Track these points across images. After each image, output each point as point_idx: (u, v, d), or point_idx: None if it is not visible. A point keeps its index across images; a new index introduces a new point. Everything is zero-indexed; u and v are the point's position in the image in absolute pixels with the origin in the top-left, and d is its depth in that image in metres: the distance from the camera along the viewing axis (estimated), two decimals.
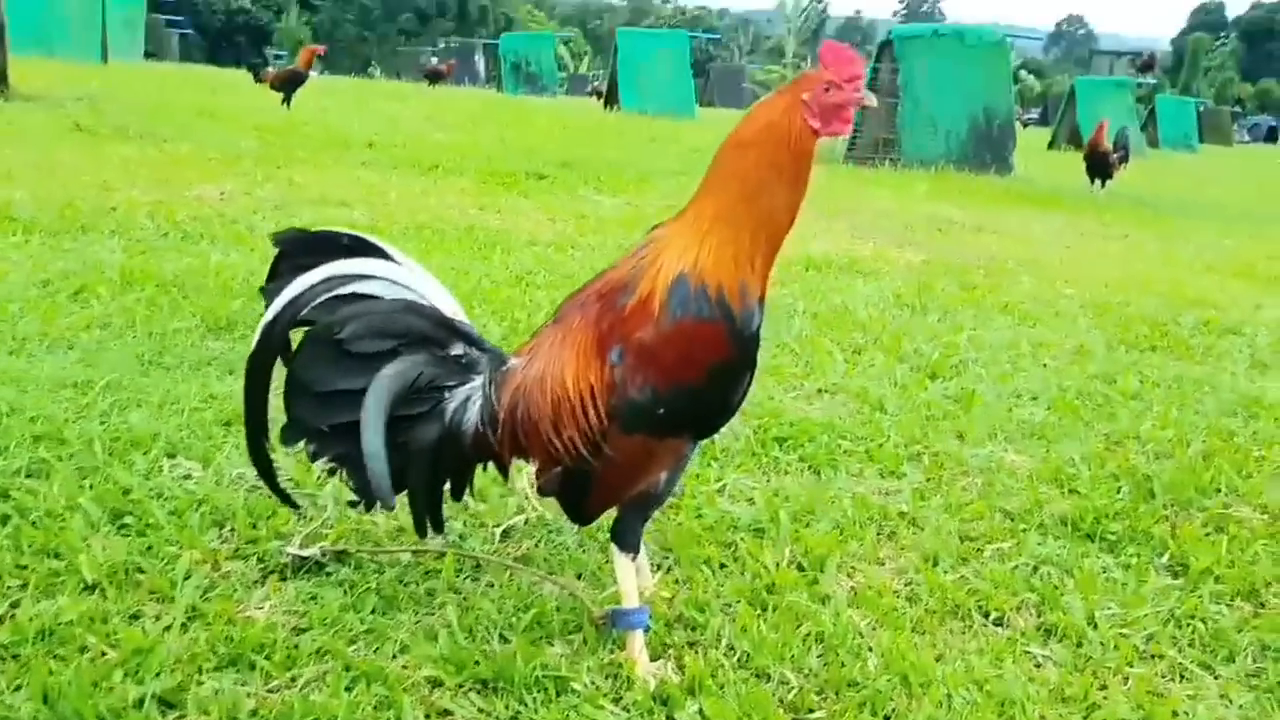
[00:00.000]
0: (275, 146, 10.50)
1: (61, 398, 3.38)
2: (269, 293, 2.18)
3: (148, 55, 32.97)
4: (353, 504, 2.28)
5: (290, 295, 2.14)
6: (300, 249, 2.22)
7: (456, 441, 2.23)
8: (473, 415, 2.23)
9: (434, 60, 42.21)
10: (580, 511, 2.34)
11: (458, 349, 2.23)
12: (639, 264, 2.19)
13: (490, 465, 2.34)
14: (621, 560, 2.30)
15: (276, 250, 2.24)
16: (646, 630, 2.34)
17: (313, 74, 15.69)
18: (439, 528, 2.32)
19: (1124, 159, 15.10)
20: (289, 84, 15.06)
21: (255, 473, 2.93)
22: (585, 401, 2.17)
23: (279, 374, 2.21)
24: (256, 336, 2.16)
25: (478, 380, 2.24)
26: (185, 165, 8.69)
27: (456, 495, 2.34)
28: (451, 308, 2.25)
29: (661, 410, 2.15)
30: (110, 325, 4.19)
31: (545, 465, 2.27)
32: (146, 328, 4.18)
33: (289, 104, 14.77)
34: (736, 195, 2.14)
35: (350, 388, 2.14)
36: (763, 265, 2.16)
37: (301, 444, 2.21)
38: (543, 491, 2.37)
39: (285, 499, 2.37)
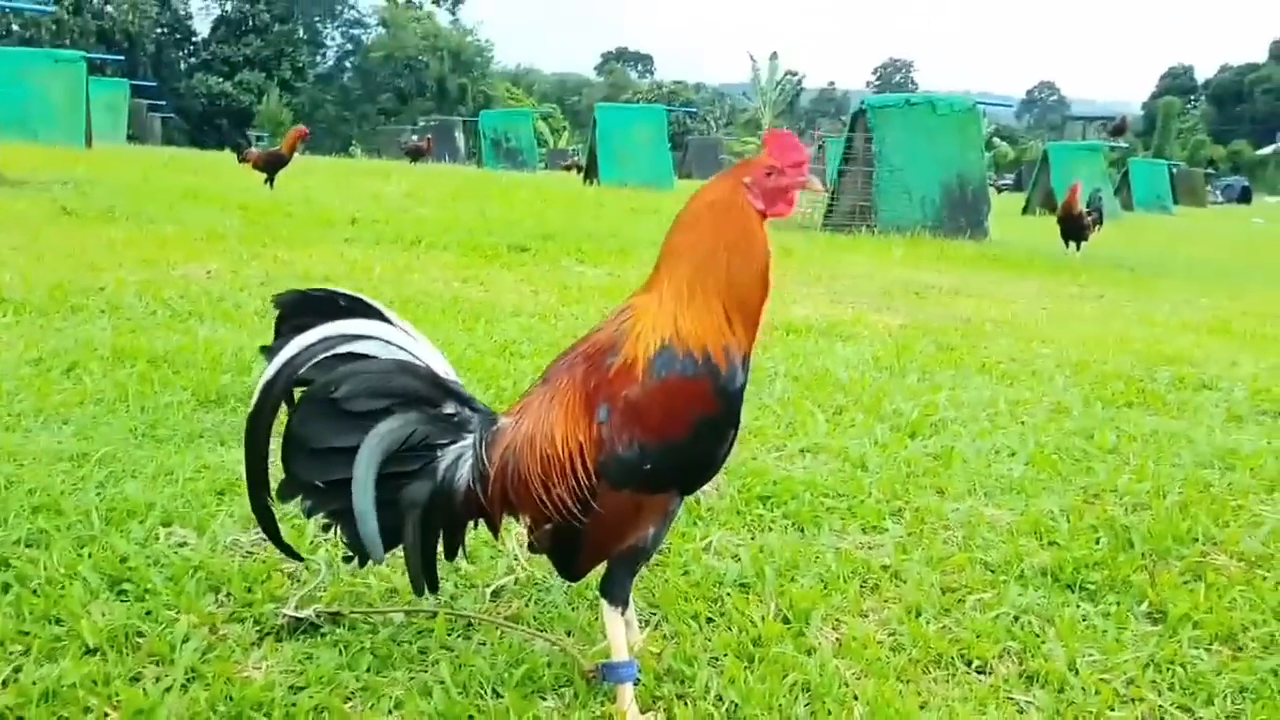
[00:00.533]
0: (259, 225, 10.61)
1: (58, 470, 3.44)
2: (269, 352, 2.25)
3: (130, 139, 33.24)
4: (347, 559, 2.34)
5: (288, 355, 2.21)
6: (299, 309, 2.29)
7: (448, 499, 2.29)
8: (464, 473, 2.29)
9: (414, 138, 42.52)
10: (570, 568, 2.40)
11: (450, 408, 2.30)
12: (621, 327, 2.28)
13: (481, 524, 2.40)
14: (610, 614, 2.35)
15: (277, 311, 2.30)
16: (636, 683, 2.39)
17: (295, 155, 15.84)
18: (434, 586, 2.37)
19: (1098, 221, 15.32)
20: (272, 165, 15.20)
21: (257, 529, 3.02)
22: (574, 459, 2.24)
23: (277, 432, 2.27)
24: (255, 395, 2.22)
25: (469, 439, 2.30)
26: (171, 246, 8.78)
27: (450, 554, 2.39)
28: (443, 368, 2.32)
29: (648, 466, 2.22)
30: (103, 400, 4.25)
31: (536, 522, 2.33)
32: (139, 402, 4.25)
33: (272, 184, 14.91)
34: (693, 268, 2.24)
35: (345, 445, 2.20)
36: (742, 327, 2.25)
37: (297, 500, 2.26)
38: (533, 549, 2.43)
39: (289, 551, 2.41)
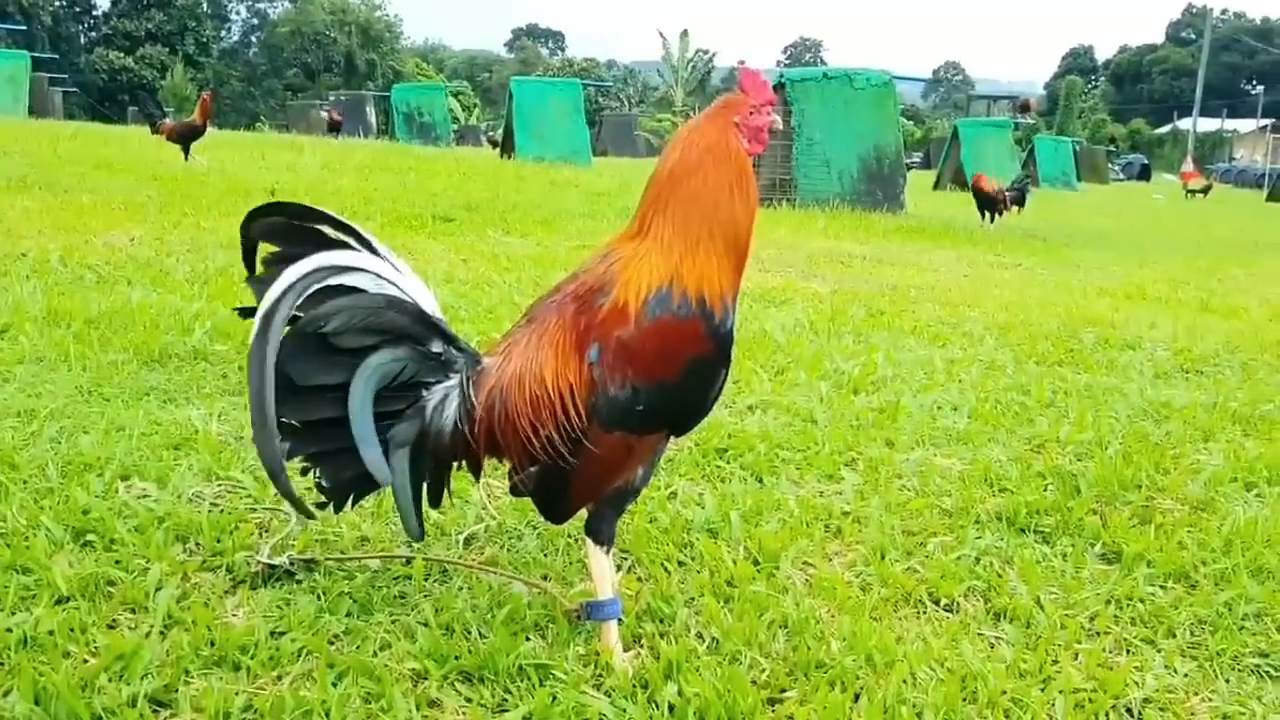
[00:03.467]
0: (178, 195, 10.37)
1: (6, 426, 3.36)
2: (261, 282, 2.17)
3: (31, 113, 32.30)
4: (321, 505, 2.28)
5: (286, 284, 2.13)
6: (286, 237, 2.22)
7: (436, 439, 2.26)
8: (450, 413, 2.26)
9: (324, 113, 41.62)
10: (557, 510, 2.38)
11: (437, 346, 2.26)
12: (610, 269, 2.26)
13: (464, 466, 2.38)
14: (597, 553, 2.35)
15: (247, 239, 2.23)
16: (620, 621, 2.40)
17: (211, 128, 15.51)
18: (421, 534, 2.34)
19: (1017, 201, 15.61)
20: (186, 136, 14.85)
21: (220, 482, 2.98)
22: (565, 399, 2.22)
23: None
24: (256, 328, 2.12)
25: (455, 379, 2.28)
26: (90, 214, 8.55)
27: (435, 500, 2.36)
28: (430, 305, 2.29)
29: (641, 407, 2.21)
30: (44, 360, 4.15)
31: (522, 464, 2.31)
32: (81, 361, 4.16)
33: (188, 155, 14.59)
34: (697, 215, 2.22)
35: (331, 382, 2.17)
36: (733, 269, 2.25)
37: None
38: (516, 491, 2.39)
39: (296, 503, 2.25)
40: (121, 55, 77.69)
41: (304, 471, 2.29)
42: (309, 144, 22.95)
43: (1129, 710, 2.33)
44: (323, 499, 2.29)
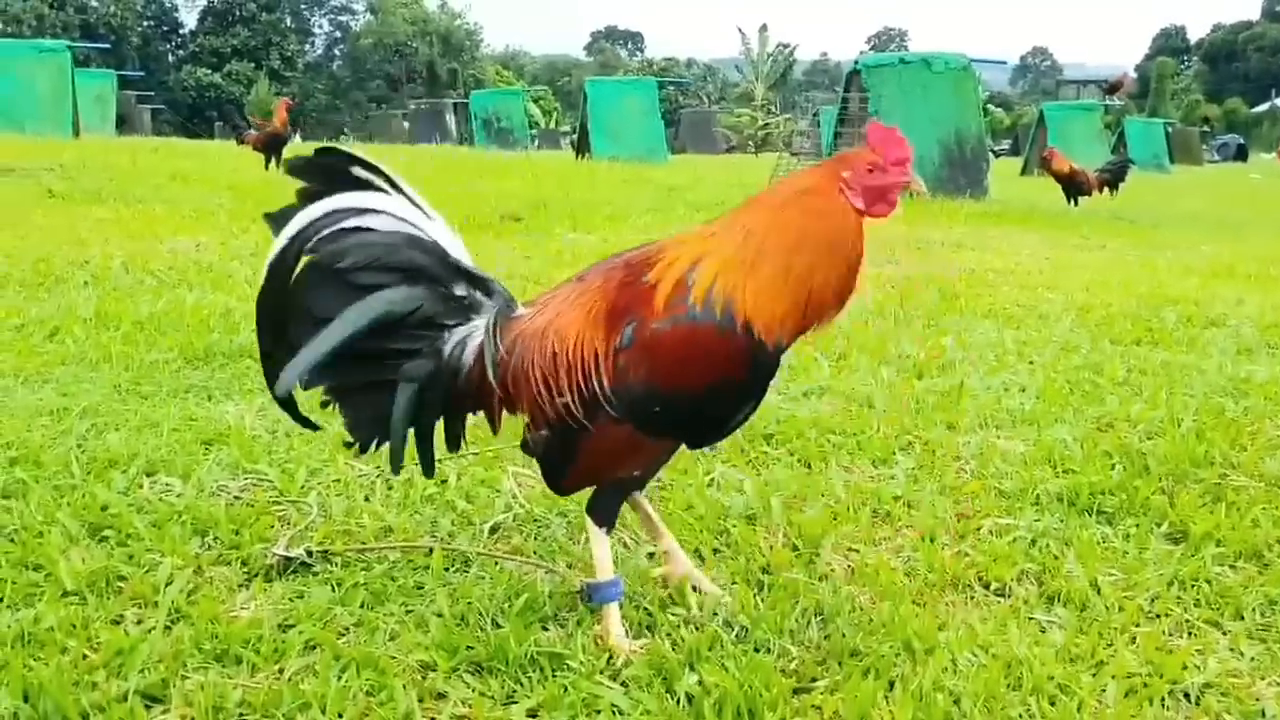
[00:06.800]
0: (250, 202, 10.45)
1: (37, 425, 3.35)
2: (274, 220, 2.15)
3: (120, 129, 33.00)
4: (348, 445, 2.26)
5: (293, 231, 2.11)
6: (310, 174, 2.18)
7: (450, 380, 2.19)
8: (468, 355, 2.20)
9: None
10: (556, 482, 2.30)
11: (460, 290, 2.20)
12: (674, 254, 2.15)
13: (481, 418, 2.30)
14: (596, 534, 2.26)
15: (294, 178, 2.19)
16: (619, 602, 2.29)
17: (295, 137, 15.68)
18: (430, 470, 2.29)
19: (1110, 184, 15.29)
20: (270, 145, 15.02)
21: (245, 475, 2.94)
22: (586, 365, 2.12)
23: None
24: (264, 274, 2.13)
25: (478, 321, 2.21)
26: (159, 223, 8.65)
27: (451, 444, 2.29)
28: (458, 250, 2.21)
29: (657, 409, 2.11)
30: (86, 359, 4.16)
31: (534, 420, 2.21)
32: (123, 361, 4.16)
33: (269, 165, 14.74)
34: (774, 246, 2.09)
35: None
36: (797, 316, 2.11)
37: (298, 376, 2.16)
38: (525, 448, 2.30)
39: (303, 421, 2.31)
40: (209, 72, 79.22)
41: (324, 405, 2.25)
42: (387, 153, 23.17)
43: (1186, 695, 2.17)
44: (349, 439, 2.25)
